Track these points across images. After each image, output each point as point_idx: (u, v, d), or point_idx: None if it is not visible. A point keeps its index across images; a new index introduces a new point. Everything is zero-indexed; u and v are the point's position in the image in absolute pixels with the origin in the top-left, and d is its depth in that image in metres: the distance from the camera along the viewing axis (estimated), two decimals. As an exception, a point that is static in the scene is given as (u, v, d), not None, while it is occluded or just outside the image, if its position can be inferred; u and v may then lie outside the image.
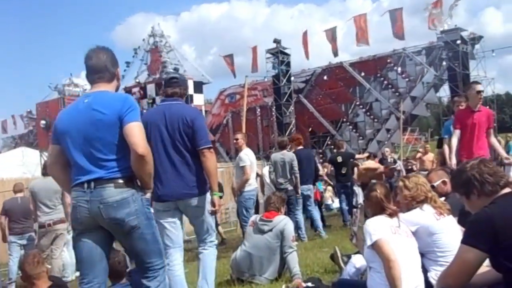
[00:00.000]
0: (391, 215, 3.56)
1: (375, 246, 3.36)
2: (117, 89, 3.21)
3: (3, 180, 13.69)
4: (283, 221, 5.38)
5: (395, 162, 13.23)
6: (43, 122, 20.46)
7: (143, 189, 3.03)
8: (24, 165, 17.46)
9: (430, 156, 12.41)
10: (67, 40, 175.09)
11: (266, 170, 8.77)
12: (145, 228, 2.97)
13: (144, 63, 40.70)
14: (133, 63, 41.46)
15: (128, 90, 39.19)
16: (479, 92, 6.56)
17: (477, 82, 6.88)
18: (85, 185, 2.90)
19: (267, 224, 5.40)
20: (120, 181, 2.90)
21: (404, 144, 24.93)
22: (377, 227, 3.40)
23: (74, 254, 3.26)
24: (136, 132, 2.88)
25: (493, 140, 6.71)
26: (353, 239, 4.45)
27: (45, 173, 7.40)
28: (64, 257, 7.65)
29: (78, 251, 3.03)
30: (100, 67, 3.09)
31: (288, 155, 8.63)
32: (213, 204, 4.03)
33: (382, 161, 13.35)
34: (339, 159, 10.69)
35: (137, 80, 39.65)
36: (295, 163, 8.43)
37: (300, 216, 8.80)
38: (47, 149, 19.73)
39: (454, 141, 6.44)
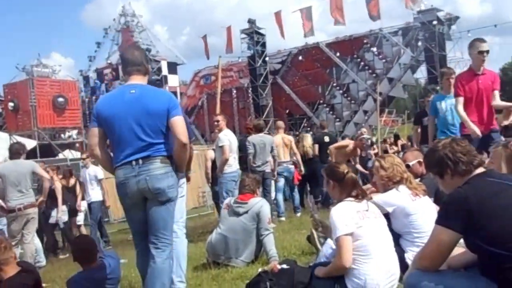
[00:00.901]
0: (357, 197, 3.51)
1: (337, 241, 3.36)
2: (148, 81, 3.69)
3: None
4: (258, 203, 5.37)
5: (372, 144, 13.25)
6: (11, 104, 19.96)
7: (177, 169, 3.54)
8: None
9: None
10: (35, 19, 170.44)
11: (212, 154, 8.58)
12: (173, 203, 3.52)
13: (116, 43, 40.05)
14: (103, 43, 40.78)
15: (99, 72, 38.62)
16: (482, 52, 5.65)
17: (481, 40, 5.77)
18: (133, 163, 3.37)
19: (243, 206, 5.37)
20: (164, 158, 3.43)
21: (382, 126, 25.16)
22: (342, 220, 3.34)
23: (129, 226, 3.72)
24: (180, 125, 3.43)
25: (498, 102, 5.85)
26: (318, 228, 4.50)
27: (13, 156, 7.24)
28: (36, 242, 7.53)
29: (132, 224, 3.58)
30: (138, 61, 3.58)
31: (267, 137, 8.94)
32: None
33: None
34: (326, 139, 10.49)
35: (109, 61, 39.02)
36: (274, 146, 8.74)
37: (279, 197, 9.31)
38: (16, 131, 19.45)
39: (461, 108, 5.67)
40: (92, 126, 3.56)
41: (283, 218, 9.16)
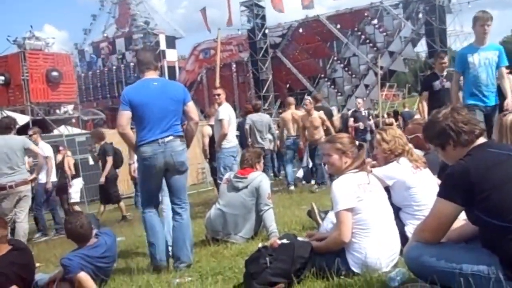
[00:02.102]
0: (359, 169, 3.47)
1: (337, 216, 3.36)
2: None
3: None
4: (258, 178, 5.33)
5: (369, 115, 13.07)
6: (1, 78, 19.64)
7: (188, 145, 4.55)
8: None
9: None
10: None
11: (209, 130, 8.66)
12: (187, 172, 4.57)
13: (112, 16, 39.57)
14: (99, 16, 40.33)
15: (95, 46, 38.23)
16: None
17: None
18: (160, 141, 4.27)
19: (242, 181, 5.34)
20: (181, 137, 4.42)
21: (383, 101, 25.08)
22: (343, 194, 3.32)
23: (147, 187, 4.54)
24: (194, 109, 4.55)
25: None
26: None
27: (3, 131, 7.09)
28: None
29: (150, 188, 4.48)
30: (150, 61, 4.54)
31: (265, 116, 10.05)
32: None
33: (355, 113, 13.23)
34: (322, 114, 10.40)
35: (105, 35, 38.59)
36: (272, 123, 9.84)
37: (289, 169, 10.28)
38: (7, 106, 19.29)
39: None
40: (123, 109, 4.32)
41: (292, 188, 9.94)
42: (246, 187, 5.28)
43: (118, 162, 10.18)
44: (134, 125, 4.46)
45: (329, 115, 10.73)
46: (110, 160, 9.60)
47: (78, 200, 10.65)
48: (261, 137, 9.70)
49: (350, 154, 3.50)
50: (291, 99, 11.21)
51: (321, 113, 10.07)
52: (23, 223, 7.07)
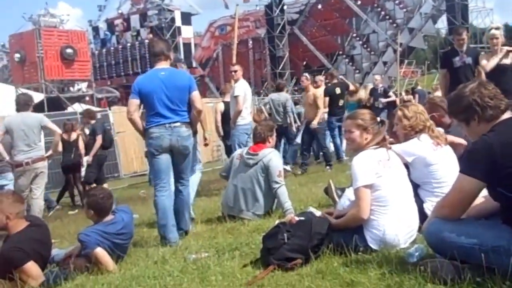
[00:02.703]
0: (380, 146, 3.46)
1: (356, 192, 3.37)
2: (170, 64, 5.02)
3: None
4: (268, 155, 5.33)
5: (385, 92, 12.83)
6: (17, 55, 19.78)
7: (193, 130, 5.01)
8: (-1, 103, 17.16)
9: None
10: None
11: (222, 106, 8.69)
12: (191, 154, 5.06)
13: (127, -8, 39.30)
14: (113, -8, 40.10)
15: (110, 23, 38.16)
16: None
17: None
18: (167, 126, 4.71)
19: (253, 158, 5.38)
20: (187, 123, 4.83)
21: (401, 78, 24.79)
22: (363, 170, 3.32)
23: (156, 167, 4.89)
24: (198, 98, 4.92)
25: None
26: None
27: (21, 108, 7.17)
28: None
29: (157, 166, 4.83)
30: (162, 52, 4.91)
31: (283, 95, 10.47)
32: None
33: (373, 90, 13.10)
34: (338, 90, 10.41)
35: (120, 11, 38.46)
36: (289, 103, 10.33)
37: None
38: (22, 84, 19.43)
39: None
40: (132, 98, 4.82)
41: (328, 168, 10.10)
42: (256, 163, 5.32)
43: (107, 142, 10.08)
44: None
45: (345, 88, 10.77)
46: (99, 139, 9.55)
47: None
48: (278, 116, 10.22)
49: (371, 130, 3.49)
50: (320, 77, 11.48)
51: (318, 91, 10.17)
52: (39, 200, 7.20)
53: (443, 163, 3.71)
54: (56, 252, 4.33)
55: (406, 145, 3.81)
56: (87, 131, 10.24)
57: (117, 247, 4.07)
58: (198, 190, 6.44)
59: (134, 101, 4.82)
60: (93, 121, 9.95)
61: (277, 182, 5.20)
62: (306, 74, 11.21)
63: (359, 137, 3.49)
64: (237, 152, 5.84)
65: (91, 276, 3.73)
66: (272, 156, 5.35)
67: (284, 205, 5.11)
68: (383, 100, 12.33)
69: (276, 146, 8.64)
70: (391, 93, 13.08)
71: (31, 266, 3.67)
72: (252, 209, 5.29)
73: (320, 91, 10.31)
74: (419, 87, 16.85)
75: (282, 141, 11.19)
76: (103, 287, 3.38)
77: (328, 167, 9.64)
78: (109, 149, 11.13)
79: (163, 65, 4.88)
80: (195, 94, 4.88)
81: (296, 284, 2.93)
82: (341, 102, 10.40)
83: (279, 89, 10.88)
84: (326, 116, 10.60)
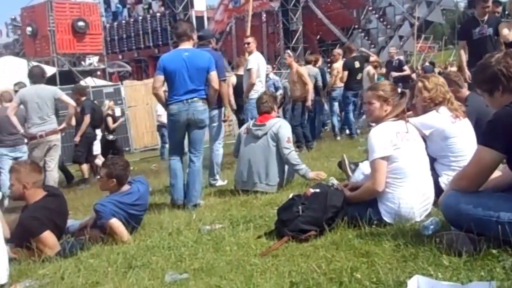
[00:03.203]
0: (399, 118, 3.45)
1: (372, 164, 3.37)
2: (193, 45, 5.57)
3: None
4: (276, 124, 5.40)
5: (400, 65, 12.61)
6: (29, 29, 19.71)
7: (209, 106, 5.45)
8: (11, 77, 17.21)
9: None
10: None
11: (234, 80, 8.66)
12: (205, 129, 5.49)
13: (139, -37, 38.85)
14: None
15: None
16: None
17: None
18: (185, 102, 5.19)
19: (261, 129, 5.41)
20: (204, 99, 5.29)
21: (417, 53, 24.49)
22: (380, 142, 3.32)
23: (171, 139, 5.65)
24: (215, 78, 5.30)
25: None
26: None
27: (36, 80, 7.21)
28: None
29: (174, 139, 5.49)
30: (186, 32, 5.36)
31: (312, 69, 10.54)
32: None
33: (387, 63, 12.94)
34: (357, 64, 10.24)
35: (133, -16, 38.12)
36: (319, 77, 10.46)
37: (334, 120, 11.02)
38: (34, 57, 19.47)
39: None
40: (157, 74, 5.34)
41: (338, 138, 10.57)
42: (265, 134, 5.36)
43: (97, 121, 9.95)
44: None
45: (364, 62, 10.66)
46: (86, 118, 9.41)
47: (98, 152, 10.84)
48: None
49: (391, 102, 3.48)
50: (339, 51, 11.60)
51: (304, 68, 10.09)
52: (53, 172, 7.30)
53: (461, 136, 3.70)
54: (71, 223, 4.40)
55: (424, 117, 3.79)
56: (78, 109, 10.27)
57: (132, 218, 4.13)
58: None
59: (159, 78, 5.29)
60: (83, 98, 9.78)
61: (287, 148, 5.32)
62: (289, 51, 11.23)
63: (379, 109, 3.48)
64: (243, 126, 5.87)
65: (106, 246, 3.81)
66: (281, 124, 5.45)
67: (297, 167, 5.26)
68: (394, 74, 12.15)
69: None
70: (406, 67, 12.86)
71: (48, 236, 3.76)
72: (265, 180, 5.33)
73: (338, 65, 10.42)
74: (427, 63, 16.64)
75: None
76: (118, 256, 3.45)
77: (305, 147, 9.25)
78: (122, 123, 11.19)
79: (187, 45, 5.36)
80: (213, 74, 5.29)
81: (310, 254, 2.97)
82: (359, 76, 10.26)
83: (308, 62, 11.27)
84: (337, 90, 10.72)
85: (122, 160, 4.39)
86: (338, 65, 10.74)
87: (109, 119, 11.37)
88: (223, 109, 6.62)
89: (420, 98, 3.90)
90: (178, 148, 5.46)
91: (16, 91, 8.14)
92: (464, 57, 6.60)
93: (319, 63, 11.78)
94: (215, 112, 6.37)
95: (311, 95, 9.41)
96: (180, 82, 5.19)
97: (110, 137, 11.29)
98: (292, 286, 2.49)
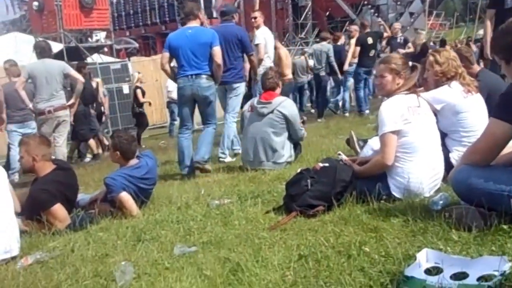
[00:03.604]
0: (411, 92, 3.42)
1: (382, 138, 3.35)
2: (201, 24, 5.91)
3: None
4: (283, 103, 5.34)
5: (405, 42, 12.43)
6: (35, 3, 19.64)
7: (215, 81, 5.70)
8: (18, 53, 17.19)
9: None
10: None
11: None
12: (213, 102, 5.77)
13: None
14: None
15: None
16: None
17: None
18: (189, 77, 5.51)
19: (266, 107, 5.35)
20: (208, 75, 5.56)
21: (428, 30, 24.16)
22: (391, 116, 3.29)
23: (180, 114, 5.95)
24: (218, 52, 5.56)
25: None
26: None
27: (44, 54, 7.17)
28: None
29: (183, 112, 5.79)
30: (192, 12, 5.69)
31: (326, 46, 11.19)
32: None
33: (391, 39, 12.78)
34: (370, 40, 10.19)
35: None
36: (331, 53, 11.02)
37: (346, 95, 11.50)
38: (41, 33, 19.40)
39: None
40: (164, 51, 5.76)
41: (347, 114, 10.97)
42: (271, 112, 5.30)
43: (88, 98, 9.81)
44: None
45: (378, 38, 10.65)
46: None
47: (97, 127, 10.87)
48: (319, 65, 11.21)
49: (403, 75, 3.45)
50: (355, 27, 11.89)
51: (284, 50, 10.09)
52: (62, 148, 7.32)
53: (473, 111, 3.67)
54: (81, 197, 4.45)
55: (435, 92, 3.75)
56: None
57: (142, 192, 4.17)
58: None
59: (165, 54, 5.72)
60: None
61: (300, 129, 5.47)
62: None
63: (390, 83, 3.45)
64: (247, 105, 5.77)
65: (115, 220, 3.86)
66: (288, 105, 5.39)
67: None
68: (402, 51, 12.01)
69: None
70: (410, 44, 12.70)
71: (58, 209, 3.80)
72: (272, 159, 5.32)
73: (353, 41, 10.48)
74: (431, 43, 16.49)
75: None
76: (127, 230, 3.49)
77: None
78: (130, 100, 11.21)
79: (193, 23, 5.69)
80: (216, 49, 5.55)
81: (318, 229, 2.98)
82: (372, 53, 10.18)
83: (322, 38, 11.74)
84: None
85: (127, 135, 4.41)
86: (354, 41, 10.73)
87: (138, 92, 11.42)
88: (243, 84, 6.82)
89: (431, 72, 3.86)
90: (187, 123, 5.77)
91: (6, 69, 8.12)
92: (490, 29, 6.02)
93: (341, 40, 12.13)
94: (238, 85, 6.61)
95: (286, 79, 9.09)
96: (185, 58, 5.52)
97: (139, 110, 11.37)
98: (300, 259, 2.51)
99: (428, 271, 2.08)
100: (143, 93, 11.82)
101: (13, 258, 3.30)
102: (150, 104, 11.80)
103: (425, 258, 2.17)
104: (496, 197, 2.46)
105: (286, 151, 5.37)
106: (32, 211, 3.79)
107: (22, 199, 3.92)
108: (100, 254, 3.07)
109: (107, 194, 4.10)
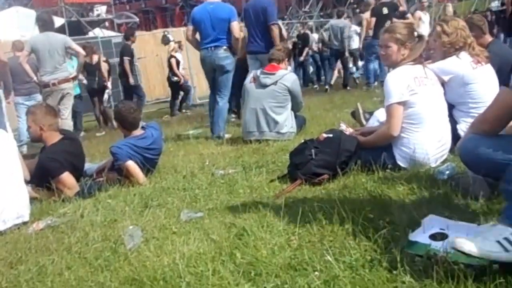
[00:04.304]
0: (417, 62, 3.39)
1: (388, 109, 3.33)
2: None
3: (0, 42, 13.44)
4: (287, 75, 5.34)
5: (403, 14, 12.19)
6: (36, -24, 19.59)
7: (234, 53, 6.23)
8: (20, 27, 17.09)
9: None
10: None
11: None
12: (230, 73, 6.19)
13: None
14: None
15: None
16: None
17: None
18: (209, 49, 6.05)
19: (269, 77, 5.32)
20: (226, 47, 6.05)
21: (436, 3, 23.80)
22: (397, 87, 3.27)
23: (208, 80, 6.43)
24: (236, 27, 6.05)
25: None
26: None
27: (47, 27, 7.15)
28: None
29: (208, 80, 6.40)
30: None
31: (342, 21, 11.88)
32: None
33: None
34: (385, 10, 9.85)
35: None
36: (347, 29, 11.71)
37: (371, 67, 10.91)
38: (42, 7, 19.26)
39: None
40: (188, 25, 6.45)
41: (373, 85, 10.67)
42: (274, 83, 5.28)
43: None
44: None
45: (393, 9, 10.19)
46: None
47: (107, 104, 10.90)
48: (336, 40, 11.80)
49: (409, 45, 3.41)
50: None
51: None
52: (68, 120, 7.35)
53: (482, 82, 3.60)
54: (88, 166, 4.50)
55: (443, 63, 3.68)
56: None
57: (147, 161, 4.19)
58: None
59: (189, 27, 6.33)
60: None
61: (302, 102, 5.64)
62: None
63: (396, 53, 3.41)
64: (249, 76, 5.72)
65: (123, 188, 3.89)
66: (292, 78, 5.40)
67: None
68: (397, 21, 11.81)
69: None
70: (408, 15, 12.49)
71: (66, 177, 3.85)
72: (275, 129, 5.31)
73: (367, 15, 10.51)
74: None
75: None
76: (135, 197, 3.54)
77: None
78: (134, 74, 11.19)
79: None
80: (234, 24, 6.02)
81: (323, 197, 3.01)
82: (387, 23, 9.91)
83: (338, 15, 12.23)
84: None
85: (130, 105, 4.42)
86: (367, 15, 10.58)
87: (173, 61, 11.43)
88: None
89: (439, 43, 3.76)
90: (213, 89, 6.33)
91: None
92: None
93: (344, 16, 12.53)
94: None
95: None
96: (206, 31, 6.05)
97: (175, 78, 11.41)
98: (305, 225, 2.53)
99: (433, 237, 2.08)
100: (178, 63, 11.81)
101: (25, 223, 3.35)
102: (180, 81, 11.68)
103: (430, 223, 2.19)
104: (504, 167, 2.43)
105: (288, 121, 5.36)
106: (41, 179, 3.83)
107: (31, 168, 3.96)
108: (109, 220, 3.11)
109: (114, 163, 4.14)
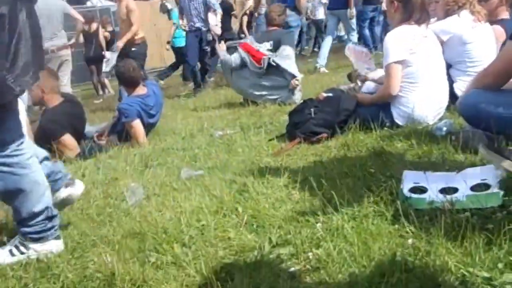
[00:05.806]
0: (419, 22, 3.24)
1: (386, 68, 3.22)
2: None
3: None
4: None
5: None
6: None
7: None
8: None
9: None
10: None
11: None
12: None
13: None
14: None
15: None
16: None
17: None
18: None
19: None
20: None
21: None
22: (396, 47, 3.15)
23: None
24: None
25: None
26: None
27: (42, -6, 6.94)
28: None
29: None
30: None
31: None
32: None
33: None
34: None
35: None
36: None
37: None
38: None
39: None
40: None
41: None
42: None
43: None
44: None
45: None
46: None
47: (108, 70, 10.68)
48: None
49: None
50: None
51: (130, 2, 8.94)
52: (67, 87, 7.18)
53: (480, 42, 3.50)
54: (88, 128, 4.39)
55: (443, 23, 3.58)
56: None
57: (151, 118, 4.14)
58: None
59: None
60: None
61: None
62: None
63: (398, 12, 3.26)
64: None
65: (123, 150, 3.81)
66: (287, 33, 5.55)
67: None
68: None
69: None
70: None
71: (67, 138, 3.77)
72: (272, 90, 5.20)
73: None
74: None
75: None
76: (135, 157, 3.46)
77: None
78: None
79: None
80: None
81: (322, 154, 2.93)
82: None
83: None
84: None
85: (130, 63, 4.28)
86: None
87: (245, 18, 11.20)
88: None
89: (441, 3, 3.66)
90: None
91: None
92: None
93: None
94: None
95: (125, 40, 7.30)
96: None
97: (242, 35, 11.21)
98: (304, 180, 2.45)
99: (412, 191, 1.99)
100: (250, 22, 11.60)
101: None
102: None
103: (405, 179, 2.10)
104: (506, 120, 2.36)
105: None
106: (43, 140, 3.71)
107: (33, 129, 3.86)
108: (110, 178, 3.04)
109: (122, 118, 4.01)
